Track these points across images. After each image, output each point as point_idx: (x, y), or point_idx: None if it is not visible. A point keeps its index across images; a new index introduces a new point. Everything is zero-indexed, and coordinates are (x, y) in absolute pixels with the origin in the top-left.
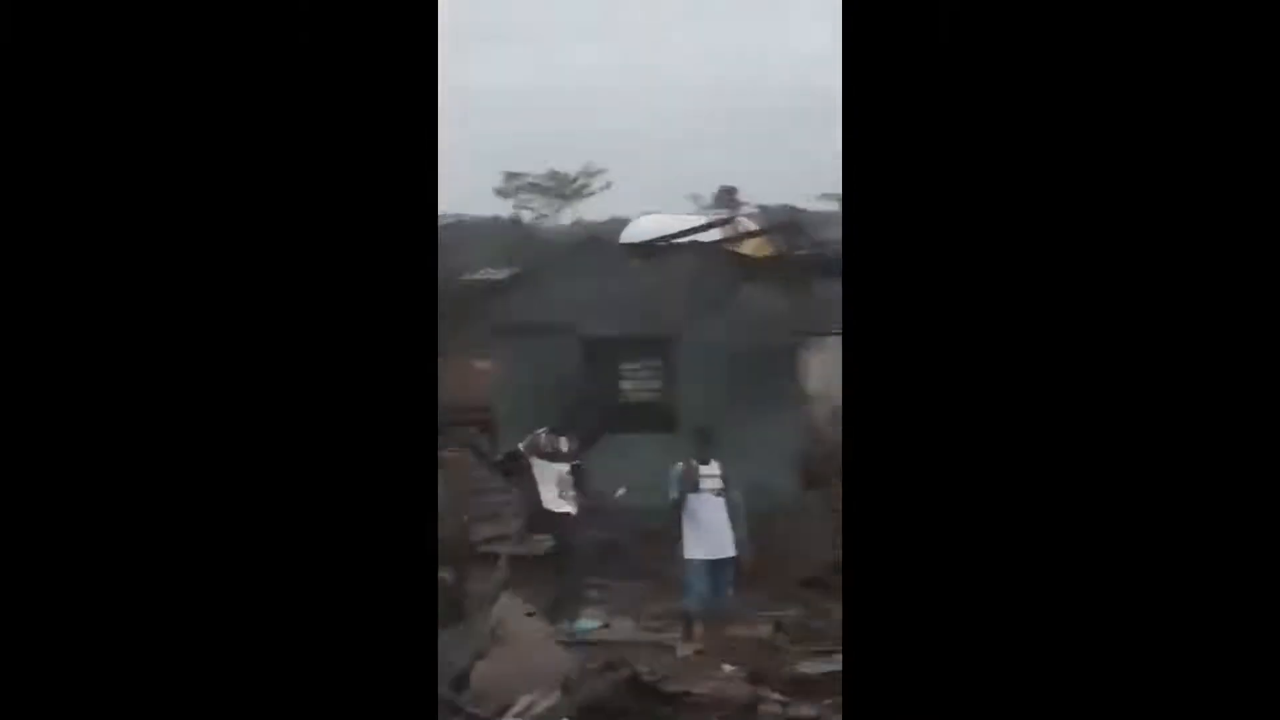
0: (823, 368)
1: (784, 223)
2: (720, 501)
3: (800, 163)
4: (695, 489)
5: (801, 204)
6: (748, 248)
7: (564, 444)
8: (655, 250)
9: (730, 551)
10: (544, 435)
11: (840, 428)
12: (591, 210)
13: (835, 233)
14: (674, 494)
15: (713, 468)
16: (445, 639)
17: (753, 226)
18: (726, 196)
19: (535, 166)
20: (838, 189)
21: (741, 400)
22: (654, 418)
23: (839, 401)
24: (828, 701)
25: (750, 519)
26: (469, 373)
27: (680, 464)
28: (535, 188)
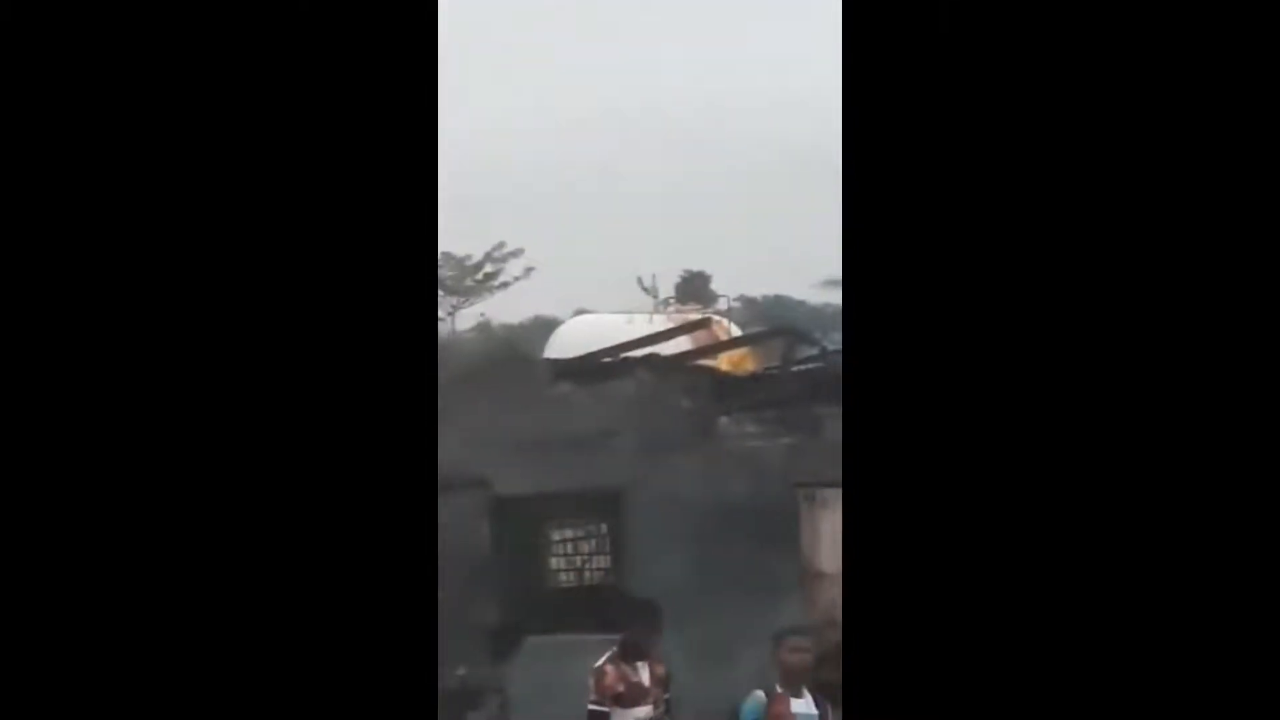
0: (836, 532)
1: (779, 326)
2: None
3: (793, 237)
4: None
5: (797, 294)
6: (727, 361)
7: None
8: (595, 367)
9: None
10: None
11: None
12: (504, 309)
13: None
14: None
15: (807, 702)
16: None
17: (734, 330)
18: (694, 286)
19: None
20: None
21: (722, 580)
22: (597, 609)
23: None
24: None
25: None
26: None
27: (760, 694)
28: None
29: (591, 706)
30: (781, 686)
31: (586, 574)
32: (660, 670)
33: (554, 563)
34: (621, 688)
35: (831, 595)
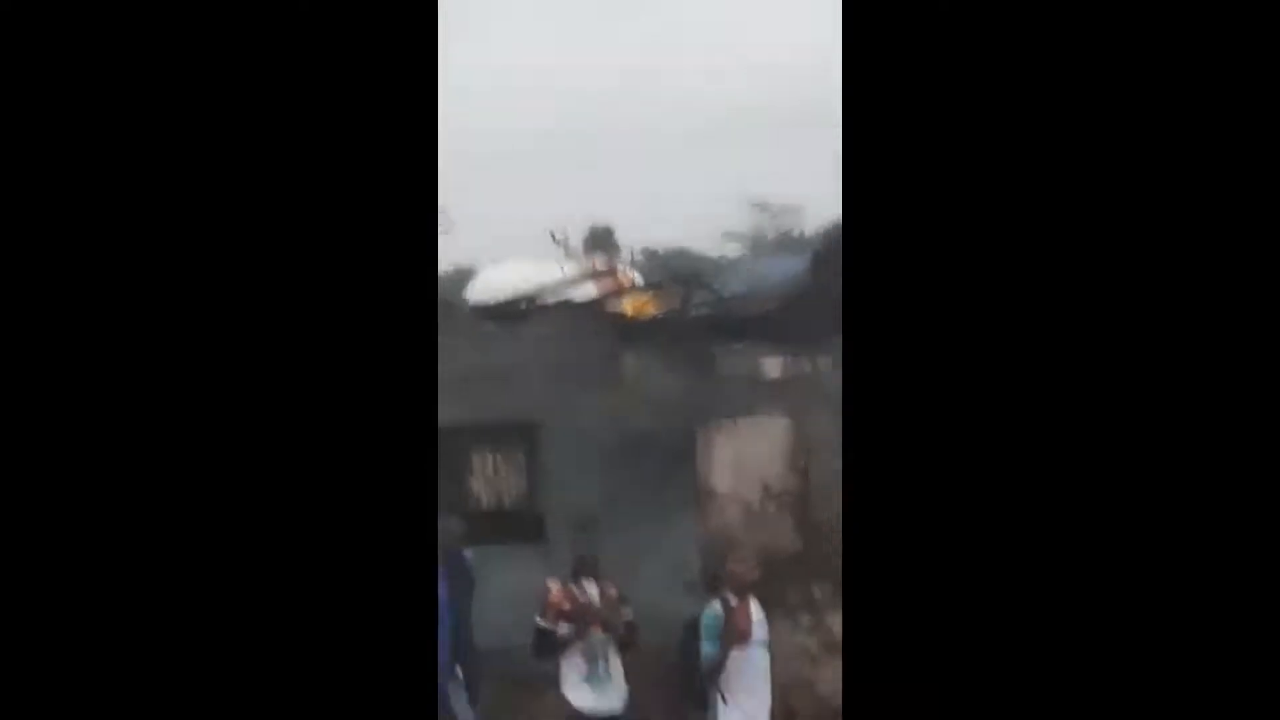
0: (730, 458)
1: (680, 273)
2: (766, 661)
3: (694, 189)
4: (744, 642)
5: (698, 247)
6: (630, 306)
7: None
8: (512, 312)
9: None
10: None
11: (754, 530)
12: None
13: (743, 285)
14: (711, 651)
15: (757, 609)
16: None
17: (637, 278)
18: (601, 238)
19: None
20: (742, 225)
21: (626, 502)
22: (513, 525)
23: (752, 498)
24: None
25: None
26: None
27: (717, 603)
28: None
29: (540, 623)
30: (732, 595)
31: (505, 497)
32: (612, 591)
33: (474, 486)
34: (567, 605)
35: (725, 512)
